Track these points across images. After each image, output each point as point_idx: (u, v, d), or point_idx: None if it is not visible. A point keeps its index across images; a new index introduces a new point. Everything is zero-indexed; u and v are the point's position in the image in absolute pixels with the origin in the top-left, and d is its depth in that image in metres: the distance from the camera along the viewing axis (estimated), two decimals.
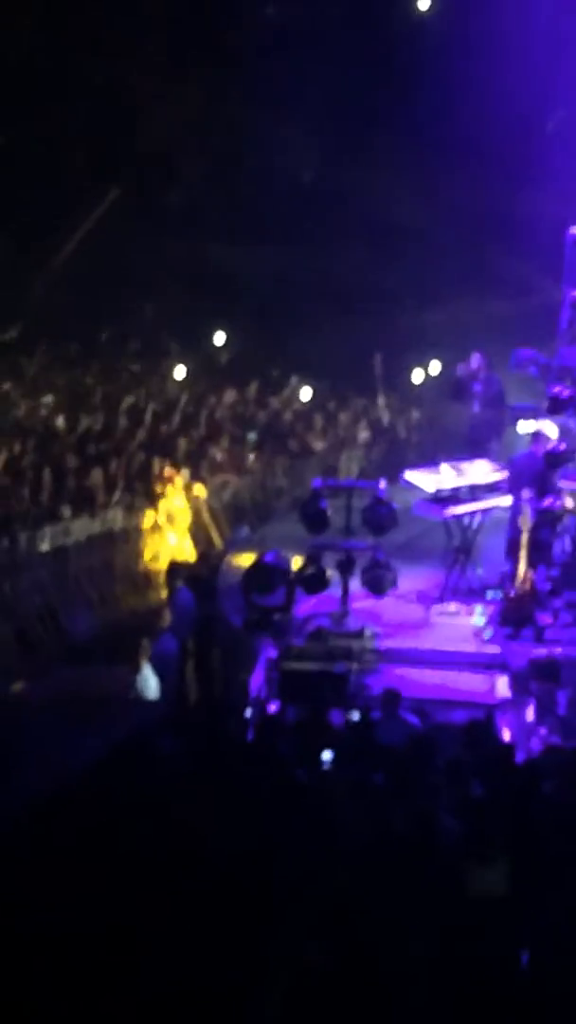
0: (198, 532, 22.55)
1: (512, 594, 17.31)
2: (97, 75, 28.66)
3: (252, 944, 7.97)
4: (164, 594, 19.51)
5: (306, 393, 28.64)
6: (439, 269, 29.38)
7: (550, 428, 18.85)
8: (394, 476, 19.18)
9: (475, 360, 21.42)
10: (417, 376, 29.59)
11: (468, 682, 16.10)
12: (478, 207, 29.28)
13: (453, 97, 27.68)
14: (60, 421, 25.39)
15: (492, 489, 18.77)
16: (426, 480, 18.37)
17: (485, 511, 18.74)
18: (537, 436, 18.79)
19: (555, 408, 18.68)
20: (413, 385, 29.46)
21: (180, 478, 22.56)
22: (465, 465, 19.03)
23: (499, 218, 28.84)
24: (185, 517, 22.31)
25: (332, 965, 7.94)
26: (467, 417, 21.63)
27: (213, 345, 30.01)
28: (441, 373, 29.19)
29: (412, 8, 29.69)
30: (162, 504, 22.23)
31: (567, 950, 8.30)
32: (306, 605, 17.83)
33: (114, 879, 8.53)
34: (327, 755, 12.01)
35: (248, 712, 15.28)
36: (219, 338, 29.85)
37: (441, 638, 17.32)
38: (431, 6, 29.66)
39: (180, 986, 7.70)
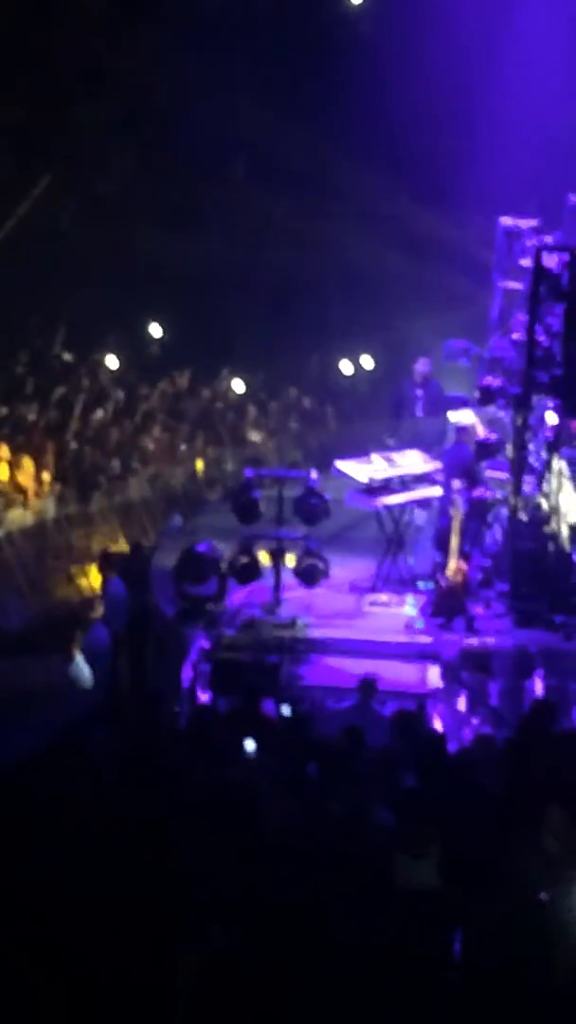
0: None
1: (444, 584, 17.39)
2: (24, 59, 28.38)
3: (169, 933, 7.96)
4: (96, 584, 19.50)
5: (238, 384, 28.65)
6: (371, 261, 29.43)
7: (468, 418, 18.99)
8: (326, 466, 19.22)
9: (423, 364, 21.50)
10: (347, 368, 29.66)
11: (400, 672, 16.14)
12: (410, 199, 29.33)
13: (384, 89, 27.70)
14: None
15: (423, 479, 18.86)
16: (358, 470, 18.42)
17: (417, 501, 18.83)
18: (461, 429, 18.92)
19: (486, 399, 18.75)
20: (344, 377, 29.53)
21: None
22: (396, 455, 19.09)
23: (431, 212, 28.90)
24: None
25: (250, 955, 7.94)
26: (408, 424, 21.62)
27: (146, 335, 29.93)
28: (376, 367, 29.31)
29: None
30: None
31: (498, 943, 8.33)
32: (238, 595, 17.85)
33: (42, 871, 8.52)
34: (250, 745, 11.99)
35: (180, 702, 15.30)
36: (154, 329, 29.77)
37: (373, 628, 17.36)
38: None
39: (96, 973, 7.70)
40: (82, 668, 15.92)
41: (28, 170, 29.28)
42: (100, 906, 8.06)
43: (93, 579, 20.36)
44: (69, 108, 28.97)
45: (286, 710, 14.28)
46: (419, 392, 21.35)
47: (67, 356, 28.24)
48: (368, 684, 14.35)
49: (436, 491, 18.63)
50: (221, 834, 9.14)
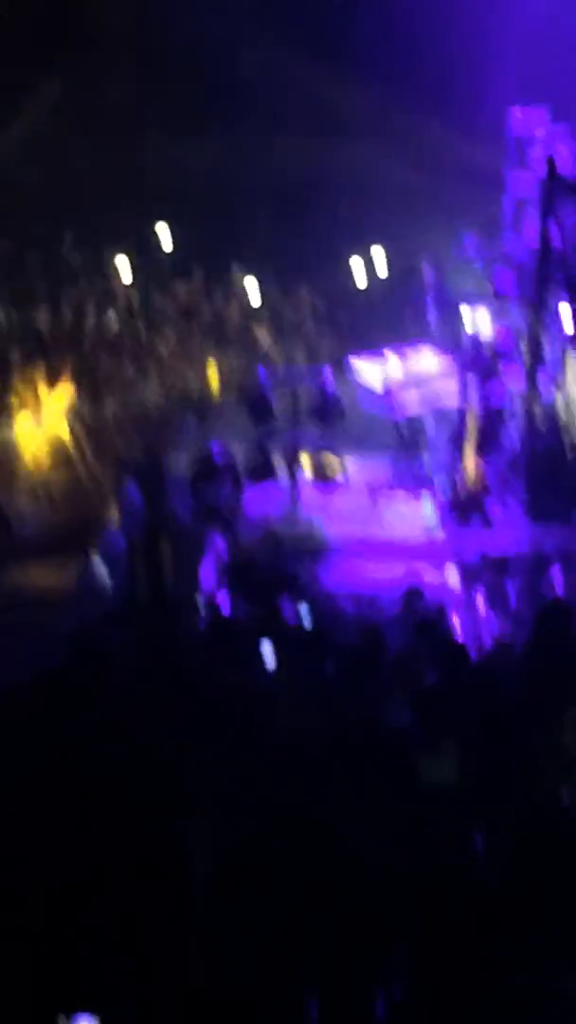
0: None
1: (461, 484, 17.36)
2: None
3: (184, 834, 8.01)
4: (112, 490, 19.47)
5: (251, 283, 28.43)
6: (383, 157, 29.11)
7: (482, 317, 18.89)
8: (340, 366, 19.14)
9: (426, 272, 21.39)
10: (358, 264, 29.41)
11: (418, 573, 16.13)
12: (419, 89, 28.93)
13: None
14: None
15: (438, 378, 18.77)
16: (372, 370, 18.33)
17: (432, 402, 18.75)
18: (475, 327, 18.83)
19: (500, 297, 18.64)
20: (356, 279, 29.28)
21: None
22: (411, 352, 18.99)
23: (443, 99, 28.51)
24: None
25: (268, 854, 7.98)
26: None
27: (155, 239, 29.71)
28: (390, 270, 29.09)
29: None
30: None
31: (519, 841, 8.37)
32: (254, 498, 17.82)
33: (58, 775, 8.57)
34: (268, 649, 12.00)
35: (198, 607, 15.31)
36: (162, 230, 29.55)
37: (390, 529, 17.34)
38: None
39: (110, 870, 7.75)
40: (99, 574, 15.92)
41: (33, 76, 29.01)
42: (116, 806, 8.10)
43: (108, 485, 20.31)
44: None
45: (304, 613, 14.28)
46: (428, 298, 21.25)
47: (76, 258, 28.05)
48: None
49: (451, 389, 18.54)
50: (238, 736, 9.19)
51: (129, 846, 7.82)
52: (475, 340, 18.79)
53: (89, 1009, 6.73)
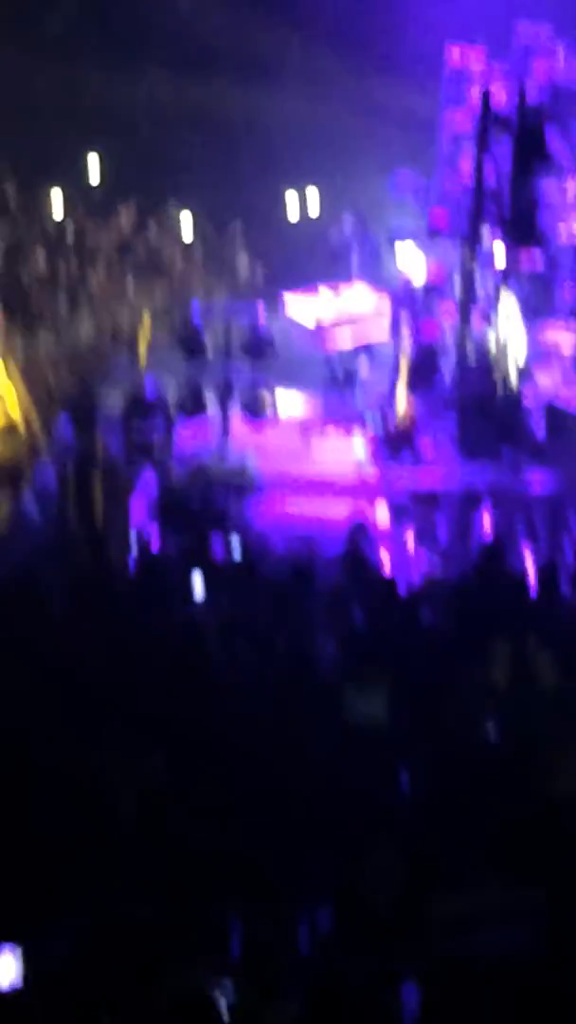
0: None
1: (392, 421, 17.38)
2: None
3: (112, 767, 8.04)
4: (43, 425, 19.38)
5: (185, 218, 28.28)
6: (316, 96, 28.96)
7: (416, 252, 18.88)
8: (273, 300, 19.09)
9: (347, 221, 21.41)
10: (292, 200, 29.30)
11: (349, 510, 16.17)
12: (354, 32, 28.77)
13: None
14: None
15: (371, 315, 18.75)
16: (305, 307, 18.30)
17: (363, 342, 18.73)
18: (409, 262, 18.82)
19: (434, 232, 18.63)
20: (289, 210, 29.17)
21: None
22: (344, 288, 18.96)
23: (374, 39, 28.37)
24: None
25: (198, 788, 8.02)
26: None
27: (87, 173, 29.45)
28: (321, 204, 29.02)
29: None
30: None
31: (443, 775, 8.44)
32: (186, 433, 17.79)
33: None
34: (199, 584, 12.01)
35: (129, 542, 15.29)
36: (92, 162, 29.28)
37: (321, 465, 17.36)
38: None
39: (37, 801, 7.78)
40: (30, 509, 15.87)
41: None
42: (44, 737, 8.12)
43: (40, 420, 20.22)
44: None
45: (235, 548, 14.29)
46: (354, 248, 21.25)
47: (8, 189, 27.80)
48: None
49: (384, 326, 18.54)
50: (169, 671, 9.22)
51: (56, 779, 7.84)
52: (408, 277, 18.78)
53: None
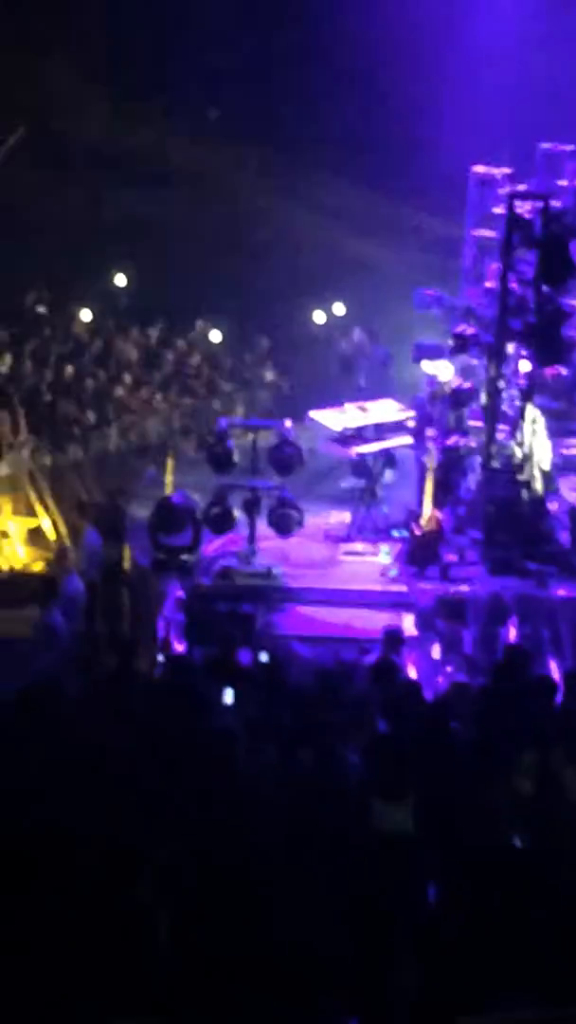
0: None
1: (418, 533, 17.42)
2: None
3: (140, 880, 8.00)
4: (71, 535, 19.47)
5: (215, 335, 28.59)
6: (341, 214, 29.35)
7: (445, 370, 19.01)
8: (299, 416, 19.22)
9: (356, 334, 21.63)
10: (319, 317, 29.58)
11: (374, 620, 16.19)
12: (378, 148, 29.18)
13: (356, 34, 27.55)
14: None
15: (397, 428, 18.86)
16: (332, 419, 18.42)
17: (391, 450, 18.82)
18: (433, 380, 18.95)
19: (459, 347, 18.76)
20: (317, 326, 29.44)
21: None
22: (370, 404, 19.10)
23: (399, 159, 28.77)
24: None
25: (225, 902, 7.98)
26: (354, 390, 21.72)
27: (114, 287, 29.79)
28: (347, 314, 29.30)
29: None
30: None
31: (472, 886, 8.38)
32: (213, 545, 17.86)
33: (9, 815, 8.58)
34: (229, 695, 12.03)
35: (156, 652, 15.32)
36: (119, 280, 29.62)
37: (348, 577, 17.40)
38: None
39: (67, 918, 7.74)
40: (57, 618, 15.91)
41: None
42: (71, 851, 8.09)
43: (68, 530, 20.31)
44: (40, 60, 28.81)
45: (262, 659, 14.31)
46: (362, 361, 21.48)
47: (41, 308, 28.14)
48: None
49: (409, 440, 18.64)
50: (195, 781, 9.20)
51: (84, 883, 7.82)
52: (434, 389, 18.91)
53: None
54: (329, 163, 29.59)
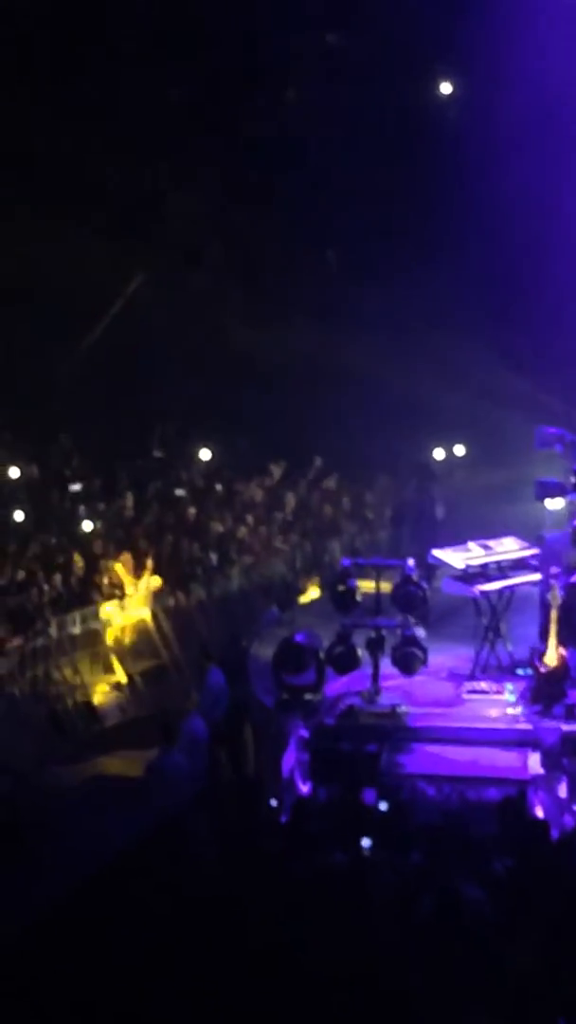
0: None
1: (543, 671, 17.30)
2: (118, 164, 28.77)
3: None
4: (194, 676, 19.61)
5: (332, 478, 28.79)
6: (459, 349, 29.45)
7: (564, 505, 18.99)
8: (422, 555, 19.23)
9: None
10: (439, 456, 29.69)
11: (500, 759, 16.07)
12: (497, 286, 29.36)
13: (468, 172, 27.78)
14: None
15: (521, 566, 18.79)
16: (455, 557, 18.40)
17: (514, 588, 18.75)
18: (559, 515, 18.92)
19: None
20: (438, 464, 29.53)
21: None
22: (493, 543, 19.06)
23: (518, 295, 28.92)
24: None
25: None
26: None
27: (235, 428, 30.05)
28: (468, 454, 29.44)
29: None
30: None
31: None
32: (337, 684, 17.85)
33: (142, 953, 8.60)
34: (366, 842, 11.96)
35: (280, 792, 15.29)
36: (240, 419, 29.90)
37: (472, 715, 17.29)
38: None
39: None
40: (181, 757, 15.97)
41: (121, 267, 29.63)
42: (204, 984, 8.10)
43: (191, 670, 20.45)
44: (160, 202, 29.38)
45: (386, 794, 14.24)
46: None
47: (158, 453, 28.50)
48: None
49: (534, 577, 18.57)
50: (324, 918, 9.17)
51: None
52: (556, 528, 18.87)
53: None
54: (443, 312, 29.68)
